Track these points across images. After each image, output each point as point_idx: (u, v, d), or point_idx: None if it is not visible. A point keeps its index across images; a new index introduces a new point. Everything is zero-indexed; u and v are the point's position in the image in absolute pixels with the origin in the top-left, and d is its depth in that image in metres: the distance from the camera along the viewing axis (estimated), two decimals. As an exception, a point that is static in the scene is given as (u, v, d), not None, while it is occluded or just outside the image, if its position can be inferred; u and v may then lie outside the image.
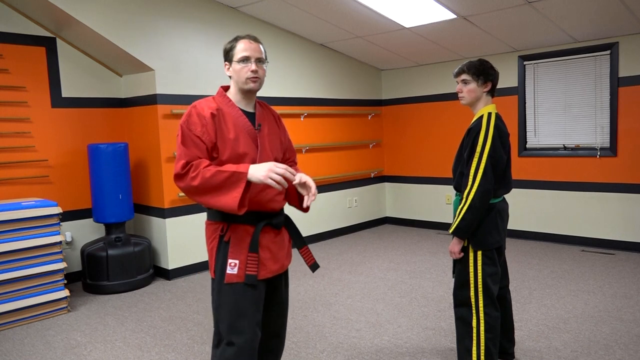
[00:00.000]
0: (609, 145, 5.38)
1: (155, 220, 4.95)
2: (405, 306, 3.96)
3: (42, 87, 4.60)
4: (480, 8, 4.67)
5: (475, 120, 2.63)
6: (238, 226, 2.07)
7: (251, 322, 2.07)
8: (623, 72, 5.22)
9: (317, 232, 6.27)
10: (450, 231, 2.57)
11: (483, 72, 2.63)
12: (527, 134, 5.92)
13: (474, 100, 2.67)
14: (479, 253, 2.58)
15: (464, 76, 2.65)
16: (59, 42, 4.70)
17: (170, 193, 4.82)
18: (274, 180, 1.91)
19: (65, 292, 4.03)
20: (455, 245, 2.60)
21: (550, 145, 5.79)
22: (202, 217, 5.06)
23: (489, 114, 2.60)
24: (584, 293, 4.11)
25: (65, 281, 4.09)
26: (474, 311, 2.59)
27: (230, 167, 1.96)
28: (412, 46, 5.93)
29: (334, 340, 3.37)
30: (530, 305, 3.88)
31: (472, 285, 2.60)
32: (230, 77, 2.16)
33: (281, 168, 1.94)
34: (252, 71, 2.07)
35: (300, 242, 2.26)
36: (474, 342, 2.60)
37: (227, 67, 2.16)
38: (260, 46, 2.13)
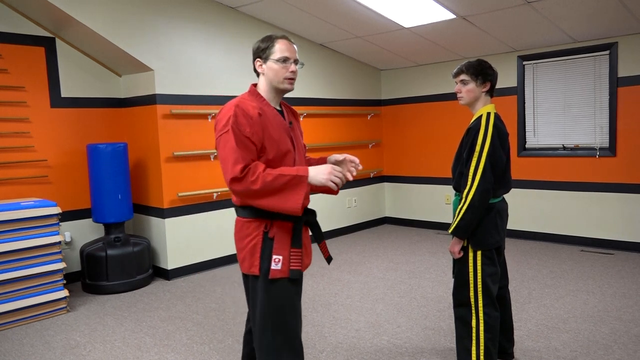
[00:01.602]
0: (608, 145, 5.38)
1: (155, 220, 4.94)
2: (405, 306, 3.96)
3: (41, 87, 4.60)
4: (479, 8, 4.68)
5: (474, 120, 2.63)
6: (281, 223, 2.10)
7: (297, 314, 2.13)
8: (622, 72, 5.23)
9: (317, 232, 6.26)
10: (450, 231, 2.57)
11: (482, 72, 2.64)
12: (527, 134, 5.92)
13: (472, 100, 2.67)
14: (479, 253, 2.58)
15: (463, 76, 2.65)
16: (58, 42, 4.70)
17: (169, 193, 4.82)
18: (334, 182, 1.99)
19: (64, 292, 4.03)
20: (455, 245, 2.60)
21: (550, 145, 5.79)
22: (201, 217, 5.06)
23: (488, 114, 2.60)
24: (583, 293, 4.12)
25: (65, 281, 4.08)
26: (473, 311, 2.59)
27: (289, 171, 1.99)
28: (411, 46, 5.93)
29: (334, 340, 3.37)
30: (529, 305, 3.88)
31: (471, 285, 2.60)
32: (258, 74, 2.19)
33: (339, 170, 2.01)
34: (292, 72, 2.12)
35: (321, 236, 2.27)
36: (474, 342, 2.60)
37: (259, 64, 2.16)
38: (296, 47, 2.19)
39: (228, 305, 4.12)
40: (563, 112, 5.67)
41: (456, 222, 2.53)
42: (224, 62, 5.19)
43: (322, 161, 2.30)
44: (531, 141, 5.90)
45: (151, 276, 4.83)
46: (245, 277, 2.19)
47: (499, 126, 2.59)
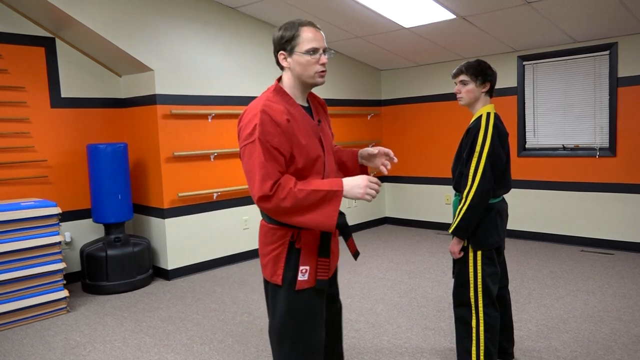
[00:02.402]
0: (608, 145, 5.38)
1: (155, 221, 4.94)
2: (405, 306, 3.96)
3: (41, 87, 4.60)
4: (479, 8, 4.68)
5: (474, 120, 2.63)
6: (309, 232, 1.94)
7: (319, 325, 1.99)
8: (622, 72, 5.23)
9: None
10: (450, 231, 2.57)
11: (481, 72, 2.64)
12: (527, 134, 5.92)
13: (472, 100, 2.68)
14: (479, 253, 2.58)
15: (463, 77, 2.66)
16: (58, 42, 4.70)
17: (169, 193, 4.82)
18: (371, 196, 1.85)
19: (64, 293, 4.03)
20: (455, 245, 2.60)
21: (550, 145, 5.79)
22: (201, 217, 5.06)
23: (488, 114, 2.60)
24: (583, 293, 4.12)
25: (65, 281, 4.08)
26: (473, 311, 2.60)
27: (322, 185, 1.82)
28: (411, 46, 5.93)
29: (334, 340, 3.37)
30: (529, 305, 3.88)
31: (471, 285, 2.60)
32: (283, 68, 1.96)
33: (374, 182, 1.86)
34: (323, 64, 1.89)
35: (349, 234, 2.12)
36: (474, 342, 2.60)
37: (282, 57, 1.92)
38: (322, 33, 1.94)
39: (228, 305, 4.12)
40: (563, 112, 5.67)
41: (456, 222, 2.53)
42: (224, 62, 5.20)
43: (354, 157, 2.16)
44: (531, 141, 5.90)
45: (151, 276, 4.83)
46: (266, 282, 2.04)
47: (499, 126, 2.60)
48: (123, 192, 4.60)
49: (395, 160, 2.09)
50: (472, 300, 2.60)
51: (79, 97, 4.84)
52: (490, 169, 2.50)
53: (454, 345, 3.20)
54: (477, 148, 2.51)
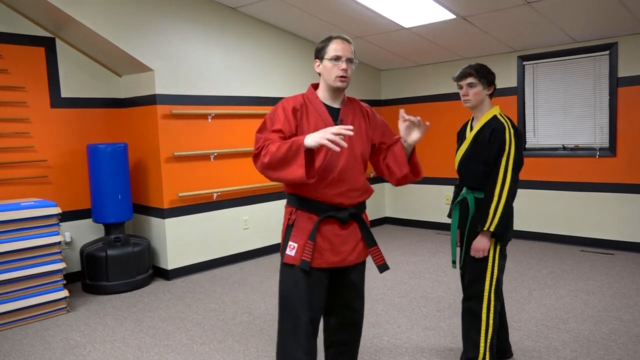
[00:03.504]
0: (608, 145, 5.38)
1: (155, 221, 4.94)
2: (405, 306, 3.96)
3: (41, 88, 4.60)
4: (479, 8, 4.68)
5: (492, 121, 2.67)
6: (304, 213, 2.20)
7: (306, 304, 2.17)
8: (622, 73, 5.23)
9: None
10: (487, 228, 2.56)
11: (487, 75, 2.70)
12: (527, 134, 5.92)
13: (478, 102, 2.72)
14: (497, 247, 2.65)
15: (471, 79, 2.69)
16: (58, 42, 4.70)
17: (169, 193, 4.82)
18: (329, 140, 1.94)
19: (64, 293, 4.03)
20: (486, 242, 2.61)
21: (550, 145, 5.79)
22: (201, 217, 5.07)
23: (503, 115, 2.69)
24: (583, 293, 4.12)
25: (65, 281, 4.08)
26: (485, 304, 2.64)
27: (290, 139, 2.04)
28: (411, 46, 5.93)
29: (334, 340, 3.37)
30: (529, 305, 3.88)
31: (487, 279, 2.64)
32: (319, 74, 2.25)
33: (335, 128, 1.96)
34: (343, 69, 2.15)
35: (370, 241, 2.30)
36: (482, 334, 2.65)
37: (317, 64, 2.24)
38: (351, 47, 2.21)
39: (228, 305, 4.12)
40: (563, 112, 5.67)
41: (496, 220, 2.55)
42: (224, 63, 5.20)
43: (399, 146, 2.25)
44: (531, 141, 5.90)
45: (151, 276, 4.83)
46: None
47: (517, 127, 2.67)
48: (123, 192, 4.60)
49: (428, 124, 2.16)
50: (486, 293, 2.64)
51: (79, 97, 4.84)
52: (516, 168, 2.59)
53: (454, 345, 3.21)
54: (506, 147, 2.57)
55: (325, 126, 2.14)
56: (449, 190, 6.55)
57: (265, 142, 2.10)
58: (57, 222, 4.00)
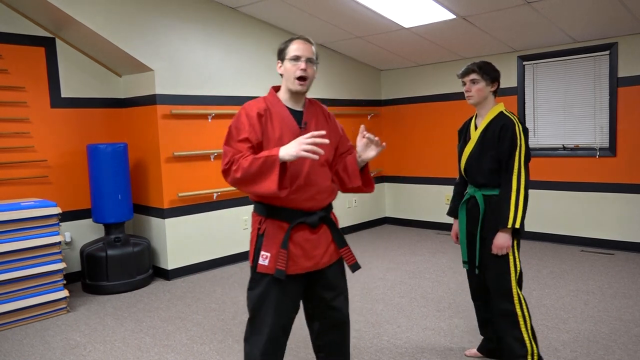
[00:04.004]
0: (608, 145, 5.38)
1: (155, 221, 4.94)
2: (405, 306, 3.96)
3: (41, 88, 4.60)
4: (479, 8, 4.68)
5: (499, 117, 2.67)
6: (274, 221, 2.17)
7: (274, 310, 2.17)
8: (622, 73, 5.23)
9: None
10: (512, 225, 2.56)
11: (491, 72, 2.72)
12: (527, 134, 5.92)
13: (482, 99, 2.73)
14: (515, 242, 2.66)
15: (473, 75, 2.70)
16: (58, 42, 4.70)
17: (169, 193, 4.82)
18: (307, 151, 1.94)
19: (64, 293, 4.03)
20: (508, 239, 2.61)
21: (550, 145, 5.79)
22: (201, 217, 5.07)
23: (510, 112, 2.70)
24: (583, 293, 4.12)
25: (65, 281, 4.08)
26: (515, 298, 2.64)
27: (263, 153, 2.02)
28: (411, 46, 5.93)
29: (334, 340, 3.37)
30: (529, 305, 3.88)
31: (512, 273, 2.65)
32: (281, 75, 2.23)
33: (308, 137, 1.96)
34: (302, 69, 2.13)
35: (341, 242, 2.30)
36: (523, 327, 2.64)
37: (279, 65, 2.22)
38: (313, 47, 2.20)
39: (228, 305, 4.12)
40: (563, 112, 5.67)
41: (519, 215, 2.56)
42: (224, 63, 5.19)
43: (353, 158, 2.28)
44: (531, 141, 5.90)
45: (151, 276, 4.83)
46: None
47: (523, 122, 2.69)
48: (123, 192, 4.60)
49: (372, 137, 2.18)
50: (514, 288, 2.64)
51: (79, 97, 4.84)
52: (527, 162, 2.62)
53: (454, 345, 3.21)
54: (518, 142, 2.58)
55: (290, 130, 2.14)
56: (449, 190, 6.50)
57: (235, 155, 2.07)
58: (57, 222, 4.00)
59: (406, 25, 5.25)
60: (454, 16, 4.87)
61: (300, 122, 2.20)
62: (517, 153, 2.58)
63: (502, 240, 2.61)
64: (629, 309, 3.73)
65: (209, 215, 5.13)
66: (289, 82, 2.17)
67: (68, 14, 4.16)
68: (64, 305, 4.05)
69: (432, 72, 6.62)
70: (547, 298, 4.03)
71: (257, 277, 2.19)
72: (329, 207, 2.32)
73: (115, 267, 4.47)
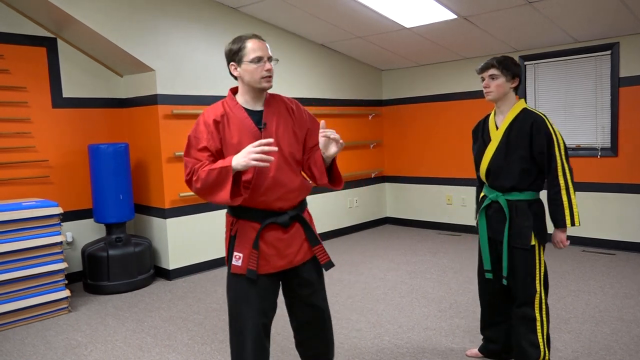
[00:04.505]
0: (609, 145, 5.38)
1: (156, 221, 4.95)
2: (406, 306, 3.96)
3: (42, 88, 4.60)
4: (480, 8, 4.67)
5: (525, 114, 2.59)
6: (245, 222, 2.19)
7: (253, 310, 2.18)
8: (624, 72, 5.22)
9: (318, 232, 6.25)
10: (570, 224, 2.53)
11: (512, 67, 2.61)
12: (528, 134, 5.91)
13: (501, 95, 2.63)
14: (541, 247, 2.62)
15: (493, 71, 2.61)
16: (59, 42, 4.70)
17: (170, 193, 4.82)
18: (257, 160, 1.93)
19: (66, 292, 4.03)
20: (564, 233, 2.60)
21: (551, 145, 5.78)
22: (203, 217, 5.07)
23: (533, 109, 2.63)
24: (584, 293, 4.11)
25: (66, 281, 4.09)
26: (537, 304, 2.61)
27: (217, 164, 2.02)
28: (412, 46, 5.93)
29: (335, 340, 3.36)
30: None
31: (537, 279, 2.61)
32: (236, 77, 2.20)
33: (256, 145, 1.95)
34: (268, 70, 2.12)
35: (313, 240, 2.30)
36: (539, 333, 2.62)
37: (233, 67, 2.18)
38: (267, 44, 2.18)
39: (229, 305, 4.12)
40: (564, 112, 5.66)
41: (576, 212, 2.52)
42: (225, 63, 5.17)
43: (319, 155, 2.20)
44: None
45: (152, 276, 4.83)
46: None
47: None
48: (124, 192, 4.61)
49: (330, 134, 2.08)
50: (539, 294, 2.61)
51: (80, 97, 4.85)
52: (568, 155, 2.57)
53: (455, 346, 3.21)
54: (554, 137, 2.52)
55: (250, 133, 2.13)
56: (450, 190, 6.55)
57: (195, 165, 2.08)
58: (58, 222, 4.01)
59: (407, 25, 5.25)
60: (455, 16, 4.86)
61: (259, 122, 2.17)
62: (556, 150, 2.50)
63: (561, 236, 2.59)
64: (630, 309, 3.73)
65: (210, 216, 5.13)
66: (253, 82, 2.14)
67: (69, 13, 4.16)
68: (66, 305, 4.06)
69: (434, 72, 6.62)
70: (548, 298, 4.01)
71: (232, 278, 2.21)
72: (301, 205, 2.30)
73: (117, 267, 4.47)
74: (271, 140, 1.97)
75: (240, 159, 1.95)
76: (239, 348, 2.22)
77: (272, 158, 1.97)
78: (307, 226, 2.30)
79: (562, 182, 2.51)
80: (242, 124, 2.14)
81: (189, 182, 2.10)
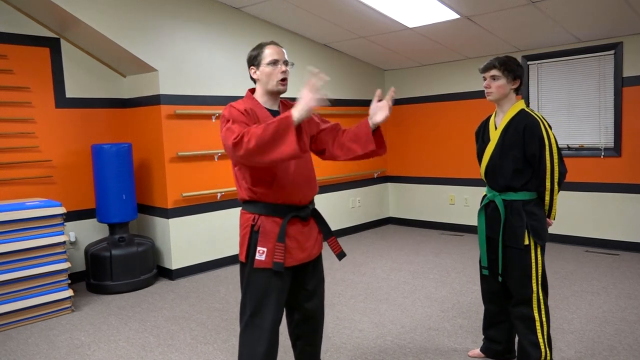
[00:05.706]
0: (613, 145, 5.36)
1: (159, 221, 4.96)
2: (409, 307, 3.95)
3: (46, 88, 4.62)
4: (483, 8, 4.67)
5: (520, 116, 2.61)
6: (268, 217, 2.26)
7: (274, 305, 2.26)
8: (627, 72, 5.21)
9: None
10: (553, 218, 2.68)
11: (513, 68, 2.62)
12: (531, 134, 5.90)
13: (502, 96, 2.66)
14: (539, 247, 2.63)
15: (494, 71, 2.62)
16: (63, 42, 4.71)
17: (173, 193, 4.83)
18: (317, 88, 1.98)
19: (69, 292, 4.04)
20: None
21: (554, 145, 5.76)
22: (205, 217, 5.08)
23: (531, 110, 2.65)
24: (587, 294, 4.10)
25: (69, 281, 4.09)
26: (535, 304, 2.62)
27: (275, 118, 2.01)
28: (415, 46, 5.93)
29: (337, 340, 3.37)
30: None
31: (534, 279, 2.62)
32: (255, 80, 2.34)
33: (310, 84, 1.98)
34: (283, 72, 2.27)
35: (328, 233, 2.42)
36: (539, 332, 2.63)
37: (253, 71, 2.32)
38: (284, 50, 2.34)
39: (232, 305, 4.12)
40: (568, 112, 5.65)
41: (554, 210, 2.67)
42: (228, 63, 5.20)
43: (365, 122, 2.35)
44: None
45: (155, 276, 4.84)
46: (241, 263, 2.34)
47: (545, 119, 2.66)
48: (127, 192, 4.61)
49: (392, 94, 2.27)
50: (535, 293, 2.62)
51: (83, 98, 4.86)
52: (560, 158, 2.63)
53: (458, 346, 3.21)
54: (546, 141, 2.55)
55: None
56: (453, 190, 6.54)
57: (243, 128, 2.06)
58: (61, 222, 4.02)
59: (410, 25, 5.25)
60: (458, 16, 4.86)
61: None
62: (547, 154, 2.55)
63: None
64: (633, 310, 3.72)
65: (212, 215, 5.13)
66: (269, 84, 2.27)
67: (72, 14, 4.17)
68: (69, 305, 4.07)
69: (436, 72, 6.61)
70: (551, 299, 4.01)
71: (253, 273, 2.26)
72: (314, 200, 2.44)
73: (120, 266, 4.48)
74: (318, 70, 2.00)
75: (301, 105, 1.95)
76: (254, 342, 2.26)
77: (327, 94, 2.02)
78: (322, 219, 2.43)
79: (548, 184, 2.60)
80: (267, 117, 2.24)
81: (237, 144, 2.00)
